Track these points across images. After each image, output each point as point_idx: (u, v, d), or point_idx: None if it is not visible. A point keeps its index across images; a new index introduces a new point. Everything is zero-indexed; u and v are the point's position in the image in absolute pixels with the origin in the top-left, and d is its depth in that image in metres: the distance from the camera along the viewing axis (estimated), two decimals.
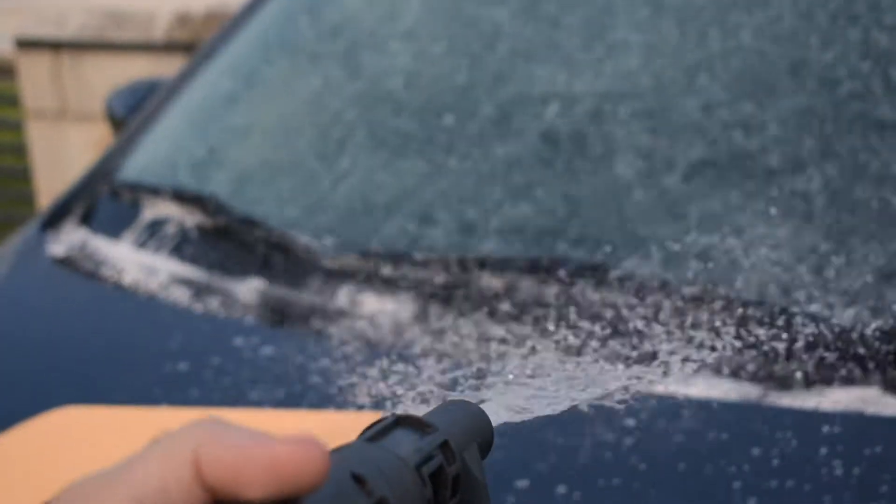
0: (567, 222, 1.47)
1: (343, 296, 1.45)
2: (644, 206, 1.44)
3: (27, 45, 3.97)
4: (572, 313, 1.14)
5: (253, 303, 1.50)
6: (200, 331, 1.50)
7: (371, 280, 1.44)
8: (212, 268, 1.59)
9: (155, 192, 1.77)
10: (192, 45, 3.44)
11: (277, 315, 1.47)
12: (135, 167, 1.89)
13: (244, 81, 1.98)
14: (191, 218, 1.68)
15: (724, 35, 1.59)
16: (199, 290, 1.56)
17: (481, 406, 0.63)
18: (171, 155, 1.90)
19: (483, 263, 1.39)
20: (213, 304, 1.52)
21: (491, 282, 1.36)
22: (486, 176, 1.56)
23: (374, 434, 0.53)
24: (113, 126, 2.32)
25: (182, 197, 1.72)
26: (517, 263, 1.38)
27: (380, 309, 1.40)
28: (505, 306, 1.32)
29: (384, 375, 0.95)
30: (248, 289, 1.52)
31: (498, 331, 1.29)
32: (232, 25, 2.13)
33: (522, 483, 1.11)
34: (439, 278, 1.39)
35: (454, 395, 0.65)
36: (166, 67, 3.27)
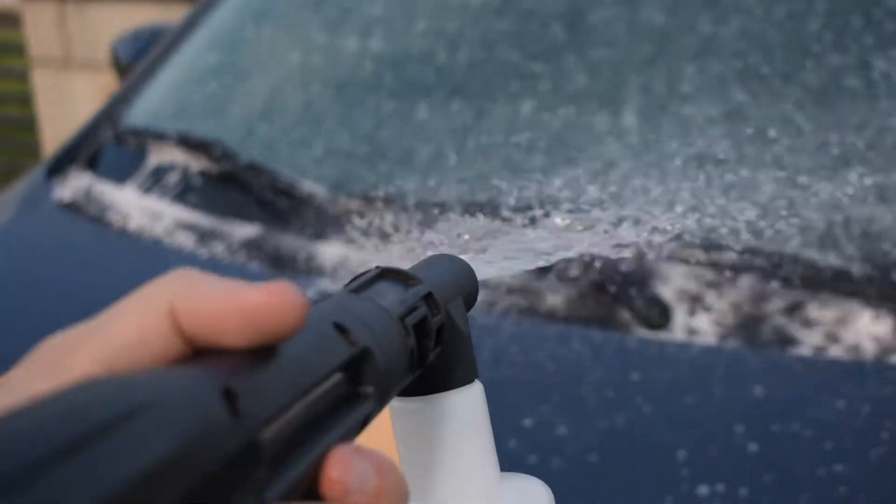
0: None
1: (342, 238, 1.44)
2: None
3: None
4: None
5: (256, 247, 1.50)
6: None
7: (369, 223, 1.44)
8: (216, 213, 1.58)
9: (160, 137, 1.76)
10: None
11: (278, 258, 1.47)
12: (140, 113, 1.88)
13: (249, 28, 1.97)
14: (196, 164, 1.67)
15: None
16: (204, 235, 1.55)
17: (466, 260, 0.62)
18: (176, 101, 1.89)
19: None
20: (217, 248, 1.52)
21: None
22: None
23: (359, 286, 0.52)
24: (118, 72, 2.31)
25: (187, 143, 1.71)
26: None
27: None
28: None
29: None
30: (252, 233, 1.52)
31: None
32: None
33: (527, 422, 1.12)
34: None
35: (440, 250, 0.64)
36: (171, 15, 3.26)
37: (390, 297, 0.52)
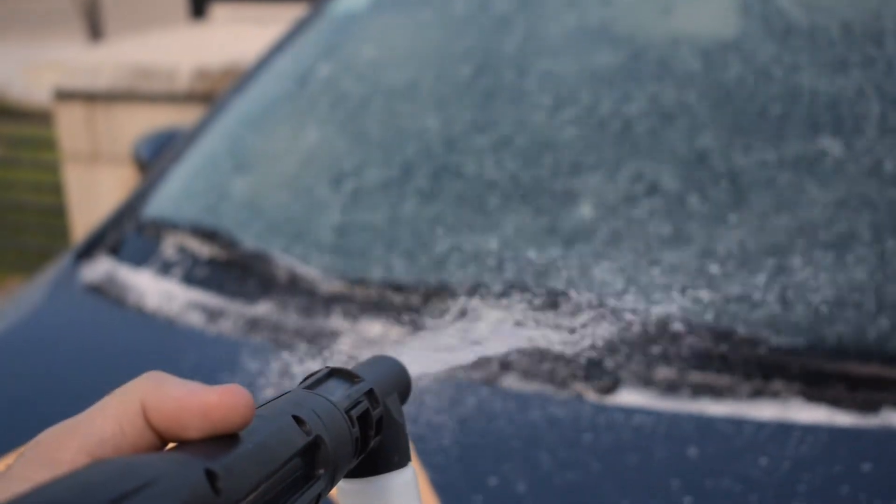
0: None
1: (337, 316, 1.48)
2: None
3: (64, 95, 4.00)
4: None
5: (258, 324, 1.53)
6: (212, 351, 1.53)
7: (361, 302, 1.47)
8: (223, 294, 1.61)
9: (175, 227, 1.80)
10: (211, 96, 3.47)
11: (280, 334, 1.50)
12: (158, 205, 1.92)
13: (255, 128, 2.01)
14: (206, 250, 1.71)
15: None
16: (212, 314, 1.58)
17: (401, 360, 0.65)
18: (189, 194, 1.92)
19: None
20: (224, 326, 1.55)
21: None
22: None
23: (312, 383, 0.56)
24: (139, 168, 2.35)
25: (198, 232, 1.75)
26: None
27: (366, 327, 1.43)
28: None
29: None
30: (255, 312, 1.55)
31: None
32: (243, 80, 2.17)
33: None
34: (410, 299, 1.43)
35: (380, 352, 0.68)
36: (188, 115, 3.30)
37: (338, 393, 0.55)
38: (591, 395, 1.25)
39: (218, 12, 5.15)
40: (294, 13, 2.74)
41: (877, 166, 1.43)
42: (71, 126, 4.01)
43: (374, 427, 0.57)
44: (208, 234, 1.73)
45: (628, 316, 1.31)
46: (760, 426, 1.18)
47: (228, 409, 0.43)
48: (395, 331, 1.39)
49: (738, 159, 1.49)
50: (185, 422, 0.43)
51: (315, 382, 0.56)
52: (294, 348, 1.48)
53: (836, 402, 1.20)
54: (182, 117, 3.32)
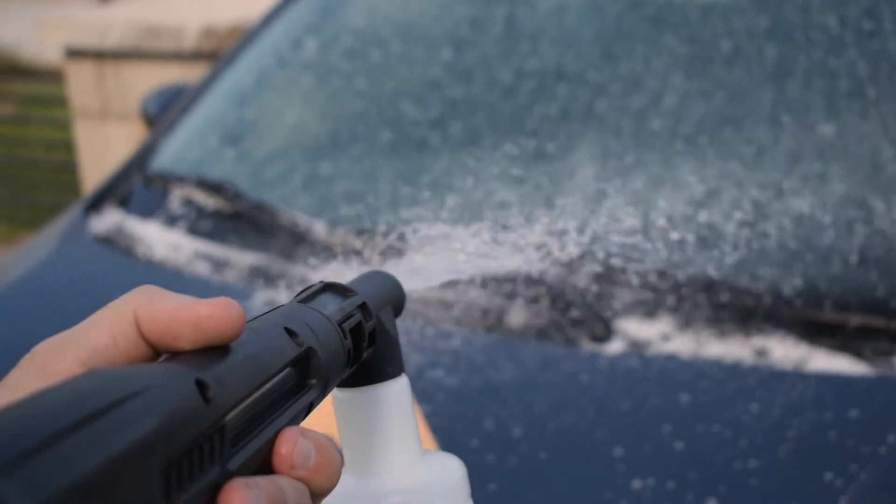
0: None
1: (338, 266, 1.48)
2: None
3: (75, 54, 3.98)
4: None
5: (262, 274, 1.53)
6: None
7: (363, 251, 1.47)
8: (228, 245, 1.61)
9: (181, 180, 1.80)
10: (218, 54, 3.45)
11: (282, 283, 1.50)
12: (165, 159, 1.92)
13: (259, 85, 2.01)
14: (211, 202, 1.71)
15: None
16: (217, 265, 1.59)
17: (395, 276, 0.66)
18: (195, 148, 1.92)
19: None
20: (230, 275, 1.55)
21: None
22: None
23: (306, 297, 0.56)
24: (147, 124, 2.34)
25: (204, 185, 1.75)
26: None
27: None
28: None
29: None
30: (259, 262, 1.55)
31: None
32: (249, 37, 2.16)
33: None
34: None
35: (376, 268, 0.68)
36: (195, 73, 3.28)
37: (331, 306, 0.55)
38: (585, 343, 1.25)
39: None
40: None
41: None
42: (81, 84, 4.00)
43: (366, 339, 0.57)
44: (214, 187, 1.73)
45: (621, 262, 1.31)
46: (751, 373, 1.18)
47: (220, 320, 0.43)
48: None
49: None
50: (176, 333, 0.43)
51: (309, 296, 0.56)
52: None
53: (825, 350, 1.20)
54: (189, 75, 3.30)
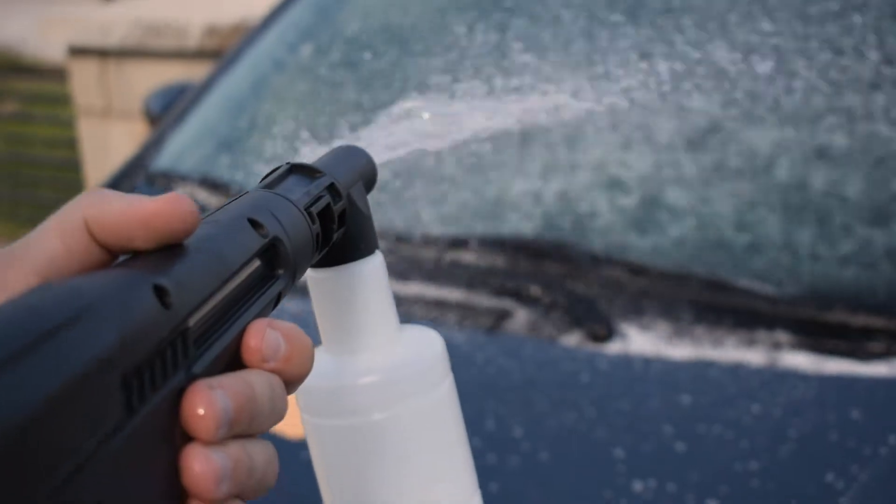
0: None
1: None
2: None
3: (78, 52, 3.99)
4: None
5: None
6: None
7: None
8: None
9: (184, 178, 1.80)
10: (220, 53, 3.46)
11: None
12: (167, 157, 1.92)
13: (262, 83, 2.01)
14: (213, 200, 1.71)
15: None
16: None
17: (365, 149, 0.63)
18: (198, 147, 1.93)
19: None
20: None
21: None
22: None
23: (271, 181, 0.54)
24: (150, 122, 2.35)
25: (207, 183, 1.75)
26: None
27: None
28: None
29: None
30: None
31: None
32: (251, 36, 2.16)
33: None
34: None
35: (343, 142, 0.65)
36: (198, 71, 3.29)
37: (298, 190, 0.53)
38: (587, 342, 1.25)
39: None
40: None
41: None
42: (84, 82, 4.00)
43: (335, 221, 0.55)
44: (216, 186, 1.74)
45: (623, 261, 1.31)
46: (752, 373, 1.18)
47: (170, 216, 0.41)
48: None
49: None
50: (128, 233, 0.41)
51: (274, 180, 0.54)
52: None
53: (826, 351, 1.20)
54: (192, 73, 3.30)
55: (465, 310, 1.32)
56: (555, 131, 1.57)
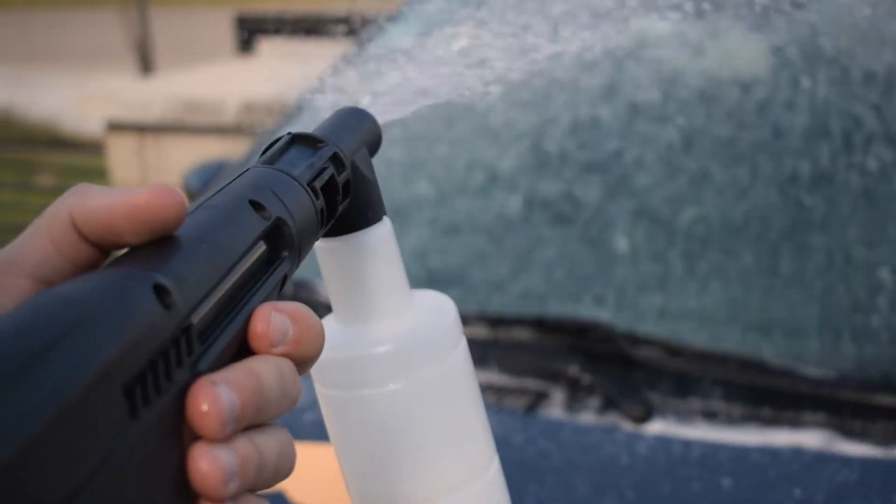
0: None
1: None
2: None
3: (116, 127, 4.07)
4: None
5: None
6: None
7: None
8: None
9: None
10: (257, 129, 3.51)
11: None
12: None
13: None
14: None
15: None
16: None
17: (367, 109, 0.61)
18: None
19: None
20: None
21: None
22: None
23: (271, 156, 0.51)
24: (189, 198, 2.38)
25: None
26: None
27: None
28: None
29: None
30: None
31: None
32: (290, 113, 2.20)
33: None
34: None
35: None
36: (235, 147, 3.34)
37: (300, 164, 0.51)
38: (626, 423, 1.25)
39: (264, 47, 5.22)
40: (339, 49, 2.78)
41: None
42: (122, 156, 4.07)
43: (340, 192, 0.53)
44: None
45: (662, 345, 1.31)
46: (794, 456, 1.18)
47: (157, 207, 0.40)
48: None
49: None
50: (117, 228, 0.40)
51: (275, 154, 0.52)
52: None
53: (870, 435, 1.19)
54: (229, 149, 3.36)
55: (501, 391, 1.32)
56: (584, 199, 1.59)
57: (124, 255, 0.40)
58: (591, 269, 1.51)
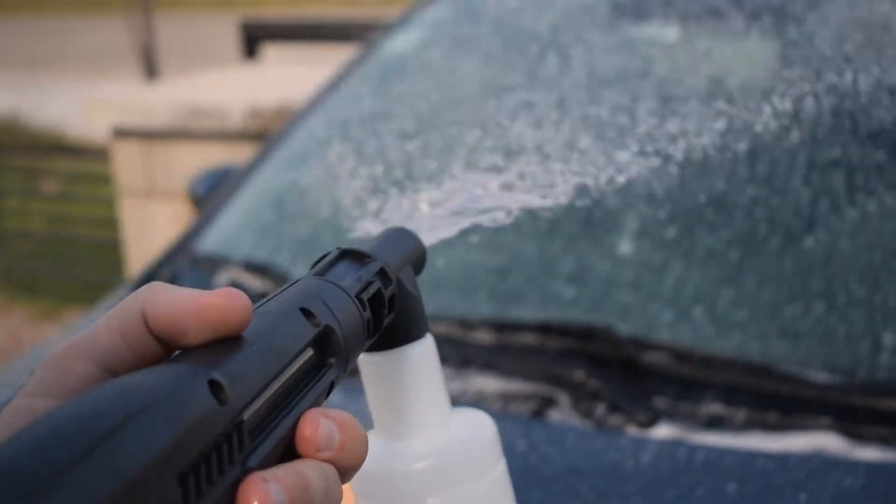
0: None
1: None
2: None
3: (121, 133, 4.07)
4: None
5: None
6: None
7: None
8: None
9: (228, 261, 1.83)
10: (263, 135, 3.52)
11: None
12: (212, 240, 1.95)
13: (306, 167, 2.05)
14: (258, 284, 1.74)
15: None
16: None
17: (415, 231, 0.64)
18: (242, 230, 1.96)
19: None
20: None
21: None
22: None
23: (321, 269, 0.54)
24: (194, 204, 2.39)
25: (251, 267, 1.78)
26: None
27: None
28: None
29: None
30: None
31: None
32: (295, 119, 2.21)
33: None
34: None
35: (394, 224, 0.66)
36: (240, 153, 3.35)
37: (348, 277, 0.54)
38: (632, 428, 1.25)
39: (270, 53, 5.23)
40: (344, 54, 2.79)
41: None
42: (127, 163, 4.08)
43: (386, 306, 0.56)
44: (260, 269, 1.76)
45: (669, 350, 1.31)
46: (800, 461, 1.18)
47: (224, 309, 0.42)
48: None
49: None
50: (182, 326, 0.42)
51: (325, 267, 0.55)
52: None
53: (876, 440, 1.19)
54: (234, 155, 3.36)
55: (507, 396, 1.32)
56: (595, 213, 1.59)
57: (182, 353, 0.43)
58: (598, 273, 1.51)
